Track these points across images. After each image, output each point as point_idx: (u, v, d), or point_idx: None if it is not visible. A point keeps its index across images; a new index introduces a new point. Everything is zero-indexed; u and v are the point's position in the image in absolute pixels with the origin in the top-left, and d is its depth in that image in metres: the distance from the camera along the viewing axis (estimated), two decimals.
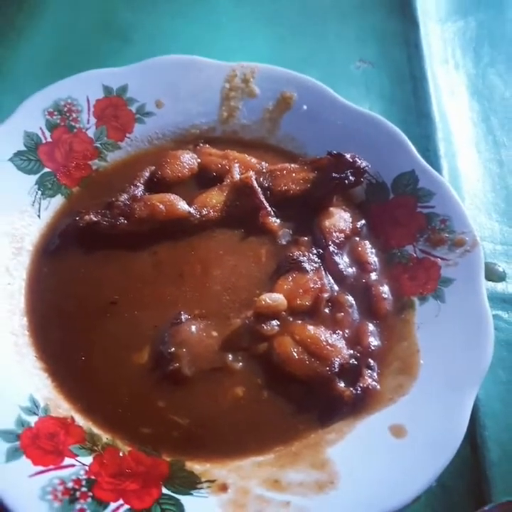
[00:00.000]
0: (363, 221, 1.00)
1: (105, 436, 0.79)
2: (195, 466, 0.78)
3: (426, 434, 0.77)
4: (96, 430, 0.79)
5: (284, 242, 0.97)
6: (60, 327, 0.88)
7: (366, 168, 0.97)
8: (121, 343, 0.86)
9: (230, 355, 0.85)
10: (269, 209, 0.98)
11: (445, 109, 1.25)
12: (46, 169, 0.98)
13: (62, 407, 0.80)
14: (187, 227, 0.96)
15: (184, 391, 0.82)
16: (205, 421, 0.81)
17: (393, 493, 0.72)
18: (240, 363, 0.85)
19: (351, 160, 0.96)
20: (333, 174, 0.97)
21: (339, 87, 1.09)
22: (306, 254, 0.93)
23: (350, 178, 0.97)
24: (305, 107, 1.07)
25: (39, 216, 0.96)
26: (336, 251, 0.94)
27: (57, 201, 0.98)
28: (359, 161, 0.97)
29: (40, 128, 0.98)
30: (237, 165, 1.02)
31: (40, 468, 0.72)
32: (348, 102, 1.06)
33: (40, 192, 0.96)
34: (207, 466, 0.78)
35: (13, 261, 0.91)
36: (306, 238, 0.96)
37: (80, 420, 0.80)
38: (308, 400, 0.83)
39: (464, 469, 0.83)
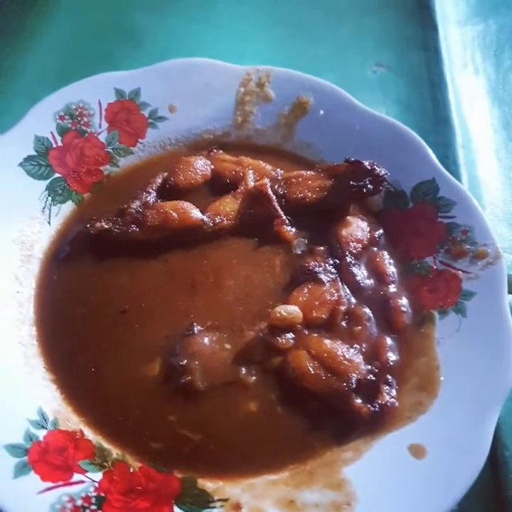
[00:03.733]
0: (381, 231, 0.98)
1: (115, 451, 0.77)
2: (208, 484, 0.76)
3: (447, 455, 0.74)
4: (106, 445, 0.78)
5: (299, 252, 0.94)
6: (70, 337, 0.86)
7: (385, 176, 0.94)
8: (132, 354, 0.84)
9: (243, 369, 0.83)
10: (284, 217, 0.96)
11: (464, 116, 1.22)
12: (57, 175, 0.96)
13: (72, 421, 0.79)
14: (200, 236, 0.94)
15: (196, 405, 0.81)
16: (218, 436, 0.79)
17: None
18: (254, 377, 0.82)
19: (370, 168, 0.94)
20: (351, 182, 0.94)
21: (354, 92, 1.06)
22: (322, 264, 0.91)
23: (369, 186, 0.94)
24: (322, 112, 1.04)
25: (49, 223, 0.94)
26: (353, 261, 0.92)
27: (68, 207, 0.97)
28: (378, 169, 0.94)
29: (51, 132, 0.96)
30: (251, 172, 1.00)
31: (49, 484, 0.71)
32: (366, 107, 1.03)
33: (50, 198, 0.95)
34: (219, 484, 0.76)
35: (23, 269, 0.89)
36: (322, 248, 0.93)
37: (90, 434, 0.78)
38: (324, 417, 0.81)
39: (485, 491, 0.81)
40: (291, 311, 0.84)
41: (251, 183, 0.98)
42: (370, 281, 0.92)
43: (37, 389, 0.80)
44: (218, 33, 1.33)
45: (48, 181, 0.95)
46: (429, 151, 0.97)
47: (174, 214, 0.92)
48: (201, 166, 1.00)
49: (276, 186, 0.98)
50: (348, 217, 0.97)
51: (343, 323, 0.87)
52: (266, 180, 0.97)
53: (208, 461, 0.78)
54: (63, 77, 1.04)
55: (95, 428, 0.79)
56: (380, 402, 0.79)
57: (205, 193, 1.00)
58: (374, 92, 1.26)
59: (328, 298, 0.87)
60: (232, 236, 0.96)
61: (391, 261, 0.94)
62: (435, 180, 0.95)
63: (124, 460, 0.76)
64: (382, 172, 0.94)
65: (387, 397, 0.80)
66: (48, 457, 0.73)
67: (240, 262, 0.94)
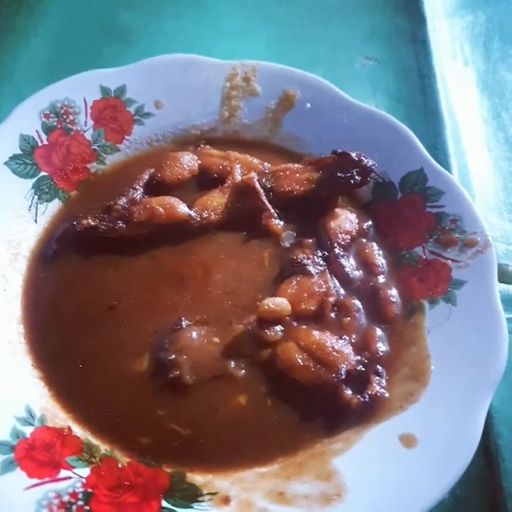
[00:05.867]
0: (370, 222, 0.97)
1: (103, 447, 0.76)
2: (197, 478, 0.75)
3: (438, 444, 0.73)
4: (94, 441, 0.77)
5: (287, 245, 0.94)
6: (58, 334, 0.86)
7: (373, 167, 0.94)
8: (120, 350, 0.84)
9: (232, 362, 0.82)
10: (272, 211, 0.95)
11: (454, 106, 1.22)
12: (43, 173, 0.96)
13: (59, 417, 0.78)
14: (187, 231, 0.94)
15: (185, 399, 0.80)
16: (207, 430, 0.78)
17: (404, 507, 0.68)
18: (243, 371, 0.82)
19: (357, 159, 0.93)
20: (339, 174, 0.94)
21: (344, 85, 1.06)
22: (311, 256, 0.90)
23: (356, 177, 0.94)
24: (308, 105, 1.04)
25: (36, 221, 0.94)
26: (341, 253, 0.91)
27: (55, 206, 0.97)
28: (365, 160, 0.93)
29: (37, 131, 0.96)
30: (238, 166, 0.99)
31: (36, 480, 0.70)
32: (353, 99, 1.03)
33: (36, 196, 0.95)
34: (208, 478, 0.75)
35: (10, 267, 0.89)
36: (310, 240, 0.93)
37: (78, 430, 0.77)
38: (314, 408, 0.80)
39: (478, 480, 0.80)
40: (279, 303, 0.83)
41: (238, 177, 0.98)
42: (359, 273, 0.91)
43: (24, 386, 0.79)
44: (206, 31, 1.33)
45: (34, 180, 0.95)
46: (417, 141, 0.97)
47: (160, 209, 0.92)
48: (188, 161, 1.00)
49: (263, 180, 0.97)
50: (337, 209, 0.97)
51: (332, 315, 0.86)
52: (253, 174, 0.97)
53: (197, 455, 0.77)
54: (51, 77, 1.03)
55: (83, 424, 0.78)
56: (370, 392, 0.79)
57: (192, 188, 1.00)
58: (364, 85, 1.26)
59: (317, 290, 0.86)
60: (220, 230, 0.96)
61: (380, 252, 0.94)
62: (423, 170, 0.94)
63: (112, 455, 0.75)
64: (370, 163, 0.94)
65: (378, 388, 0.79)
66: (34, 454, 0.72)
67: (228, 256, 0.93)
